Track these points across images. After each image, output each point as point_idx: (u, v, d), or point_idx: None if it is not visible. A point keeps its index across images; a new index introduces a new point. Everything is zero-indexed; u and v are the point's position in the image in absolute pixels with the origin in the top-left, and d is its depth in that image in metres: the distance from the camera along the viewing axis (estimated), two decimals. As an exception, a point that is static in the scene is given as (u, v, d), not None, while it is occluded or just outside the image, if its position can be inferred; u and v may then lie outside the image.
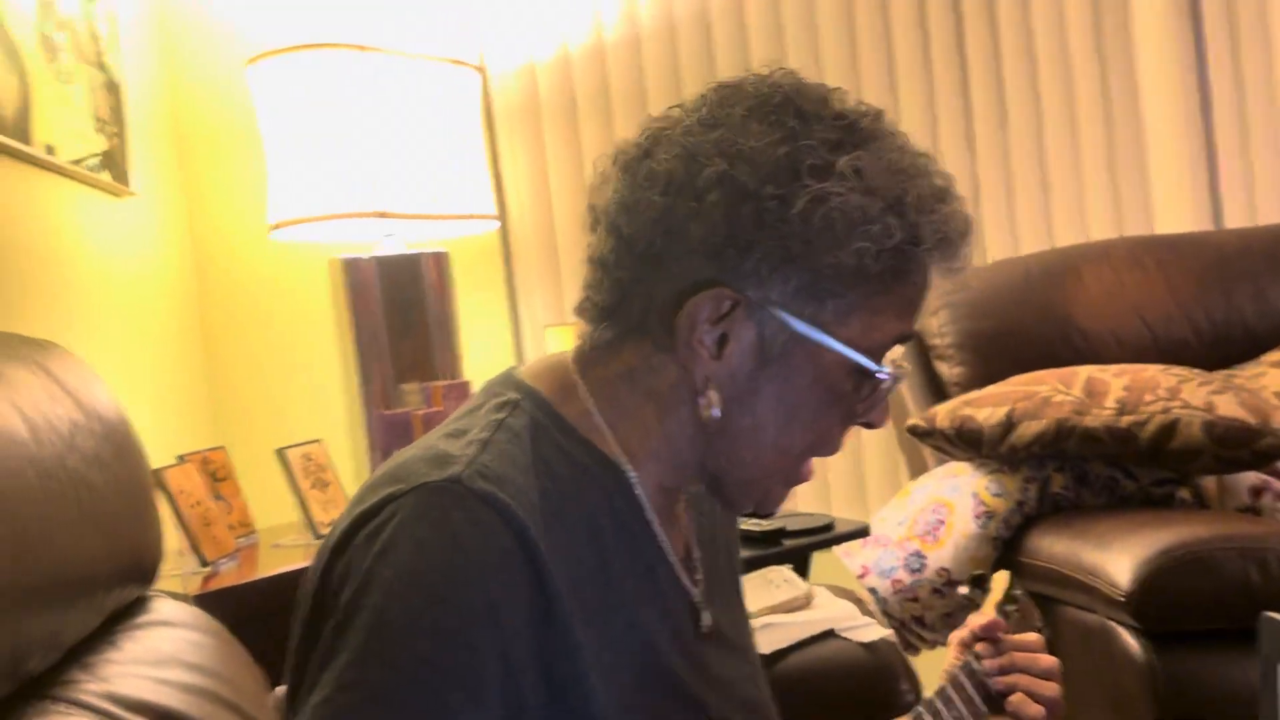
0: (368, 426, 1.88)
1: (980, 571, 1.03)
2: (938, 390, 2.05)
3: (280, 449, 1.69)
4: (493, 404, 0.72)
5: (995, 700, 0.89)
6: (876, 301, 0.70)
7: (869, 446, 2.40)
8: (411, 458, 0.66)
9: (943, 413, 1.63)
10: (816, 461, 0.77)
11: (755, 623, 1.17)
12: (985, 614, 0.97)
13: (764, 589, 1.22)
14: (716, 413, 0.70)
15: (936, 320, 2.06)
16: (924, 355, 2.09)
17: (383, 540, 0.61)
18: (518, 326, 2.27)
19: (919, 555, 1.61)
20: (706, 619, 0.77)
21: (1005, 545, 1.59)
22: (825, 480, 2.35)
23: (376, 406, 1.88)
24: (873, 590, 1.64)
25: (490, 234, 2.13)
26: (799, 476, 0.76)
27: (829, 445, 0.75)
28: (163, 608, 1.07)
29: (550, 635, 0.63)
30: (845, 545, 1.69)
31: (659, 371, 0.72)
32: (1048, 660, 0.87)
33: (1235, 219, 2.50)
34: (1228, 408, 1.44)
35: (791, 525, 1.62)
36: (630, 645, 0.69)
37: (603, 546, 0.70)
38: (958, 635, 0.91)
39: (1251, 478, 1.54)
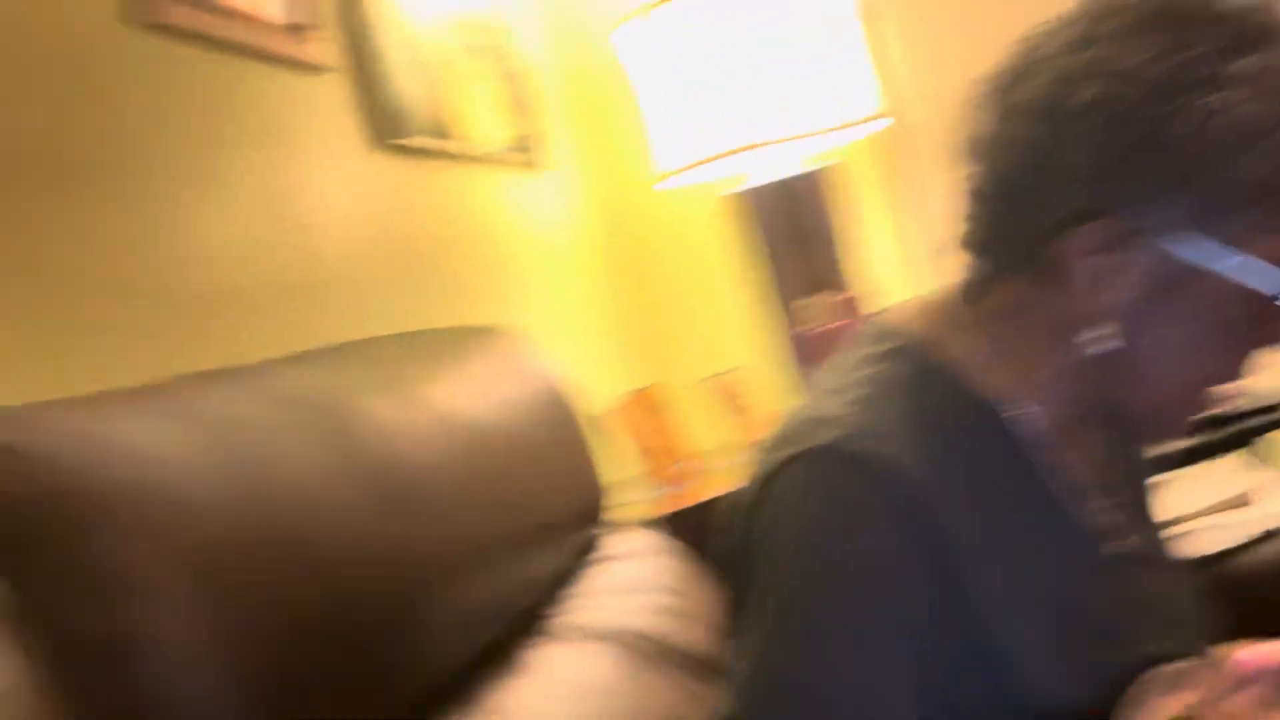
0: (778, 348, 1.98)
1: None
2: None
3: (703, 380, 1.83)
4: (872, 354, 0.73)
5: None
6: None
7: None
8: (800, 419, 0.70)
9: None
10: None
11: (1188, 525, 1.10)
12: None
13: (1200, 487, 1.13)
14: (1109, 347, 0.68)
15: None
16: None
17: (781, 505, 0.66)
18: (907, 229, 2.24)
19: None
20: (1122, 542, 0.75)
21: None
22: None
23: (783, 328, 1.97)
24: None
25: (867, 140, 2.11)
26: (1202, 404, 0.72)
27: (1235, 372, 0.70)
28: (621, 539, 1.24)
29: (951, 581, 0.65)
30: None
31: (1045, 305, 0.70)
32: None
33: None
34: None
35: (1238, 406, 1.46)
36: (1042, 579, 0.70)
37: (1000, 486, 0.70)
38: None
39: None
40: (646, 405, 1.87)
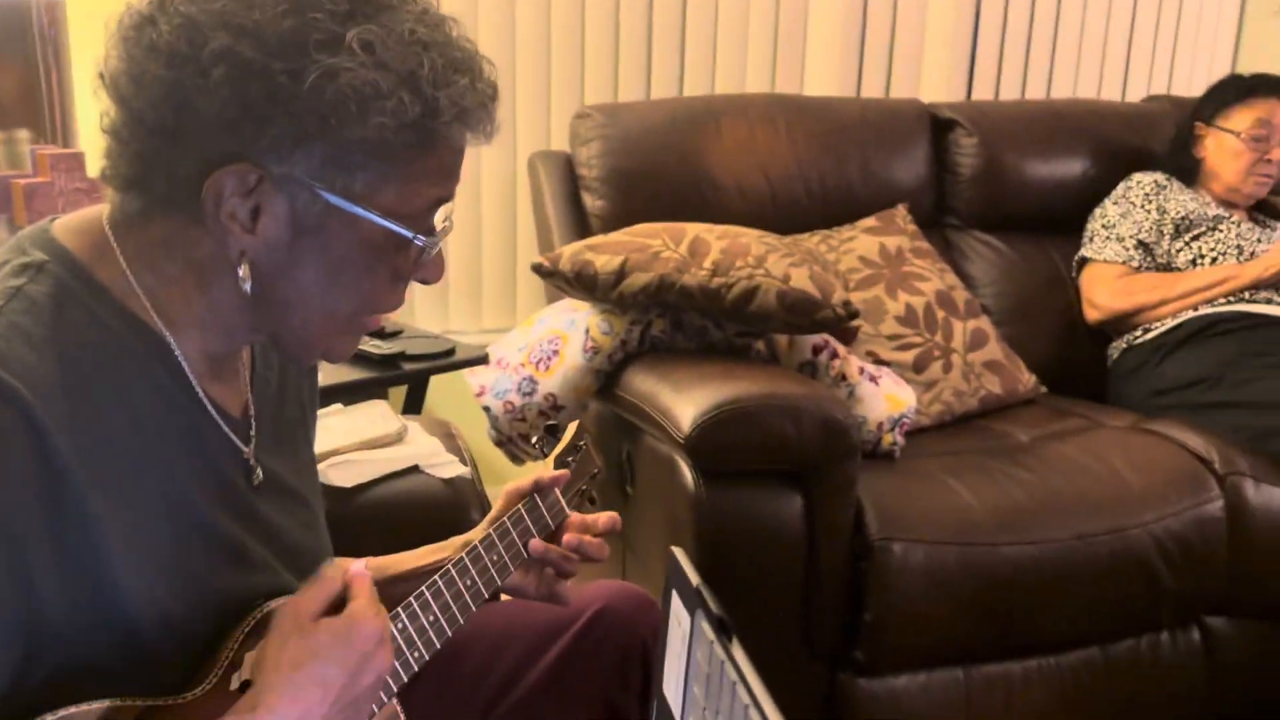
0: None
1: (553, 422, 1.15)
2: (582, 220, 2.16)
3: None
4: (15, 265, 0.70)
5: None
6: (407, 171, 0.72)
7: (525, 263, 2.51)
8: None
9: (566, 255, 1.73)
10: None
11: (344, 457, 1.24)
12: (547, 465, 1.10)
13: (359, 423, 1.29)
14: (249, 286, 0.72)
15: (588, 151, 2.13)
16: (573, 184, 2.18)
17: None
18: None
19: (532, 380, 1.74)
20: (258, 474, 0.81)
21: (607, 378, 1.76)
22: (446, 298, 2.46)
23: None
24: (487, 409, 1.77)
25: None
26: (362, 329, 0.80)
27: (383, 305, 0.79)
28: None
29: (59, 508, 0.65)
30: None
31: (196, 243, 0.72)
32: (595, 546, 1.00)
33: (872, 90, 2.75)
34: (800, 280, 1.65)
35: (413, 348, 1.68)
36: (165, 505, 0.72)
37: (136, 412, 0.71)
38: (513, 486, 1.02)
39: (816, 337, 1.78)
40: None
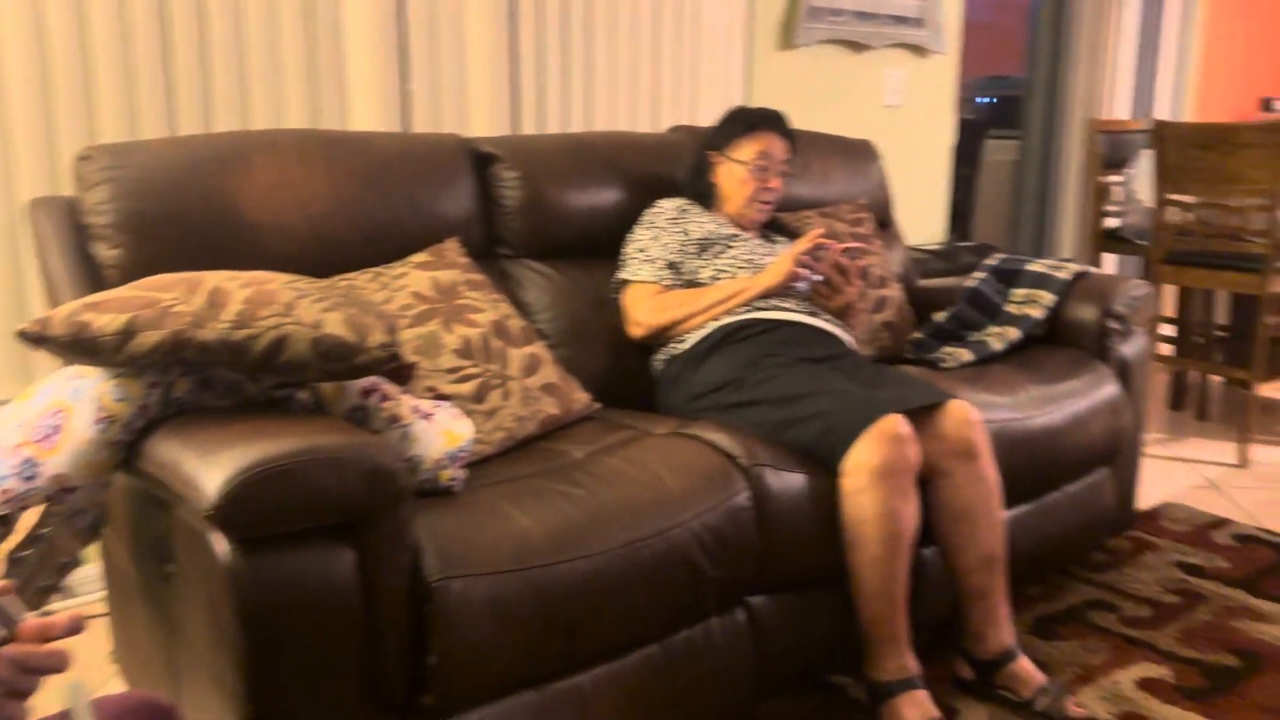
0: None
1: (4, 513, 1.00)
2: (94, 273, 1.94)
3: None
4: None
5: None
6: None
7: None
8: None
9: (60, 317, 1.54)
10: None
11: None
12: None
13: None
14: None
15: (95, 196, 1.93)
16: (80, 233, 1.96)
17: None
18: None
19: (33, 462, 1.53)
20: None
21: (128, 449, 1.59)
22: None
23: None
24: (-23, 501, 1.53)
25: None
26: None
27: None
28: None
29: None
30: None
31: None
32: (41, 656, 0.87)
33: (424, 125, 2.75)
34: (334, 325, 1.59)
35: None
36: None
37: None
38: None
39: (364, 381, 1.73)
40: None
